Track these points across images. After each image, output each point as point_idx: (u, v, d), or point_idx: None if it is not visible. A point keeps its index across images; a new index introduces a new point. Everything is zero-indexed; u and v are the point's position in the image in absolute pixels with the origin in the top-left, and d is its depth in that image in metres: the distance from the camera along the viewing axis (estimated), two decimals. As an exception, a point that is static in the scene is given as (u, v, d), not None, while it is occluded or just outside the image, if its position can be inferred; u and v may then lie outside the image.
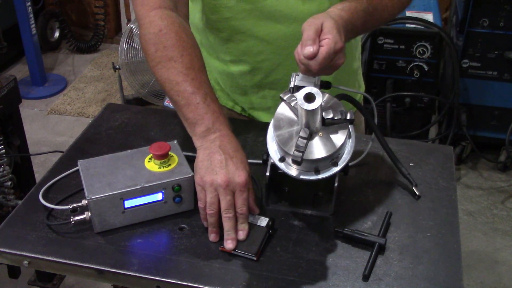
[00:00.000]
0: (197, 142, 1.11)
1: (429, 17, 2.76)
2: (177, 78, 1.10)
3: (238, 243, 1.06)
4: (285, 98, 1.07)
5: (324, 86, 1.09)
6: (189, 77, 1.10)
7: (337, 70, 1.08)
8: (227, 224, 1.05)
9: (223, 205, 1.04)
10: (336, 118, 1.02)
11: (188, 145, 1.36)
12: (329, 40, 1.02)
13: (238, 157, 1.07)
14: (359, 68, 1.56)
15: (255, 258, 1.04)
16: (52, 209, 1.15)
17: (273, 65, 1.37)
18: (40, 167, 2.59)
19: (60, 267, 1.06)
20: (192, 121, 1.10)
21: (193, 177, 1.13)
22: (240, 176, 1.04)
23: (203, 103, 1.09)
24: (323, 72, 1.05)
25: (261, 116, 1.51)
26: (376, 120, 1.27)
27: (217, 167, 1.05)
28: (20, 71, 3.81)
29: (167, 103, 2.07)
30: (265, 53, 1.35)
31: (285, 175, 1.09)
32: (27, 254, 1.06)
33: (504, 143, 2.76)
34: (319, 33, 1.04)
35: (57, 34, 4.11)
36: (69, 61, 4.00)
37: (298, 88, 1.06)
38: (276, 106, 1.09)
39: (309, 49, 1.02)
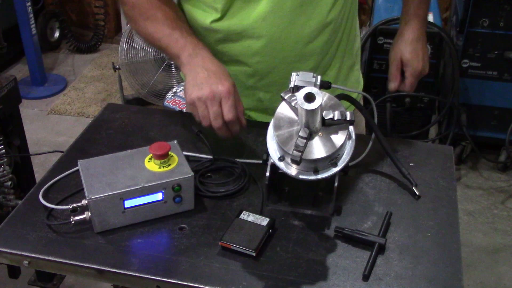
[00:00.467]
0: (184, 70, 1.22)
1: (429, 17, 2.75)
2: (155, 29, 1.26)
3: (238, 240, 1.06)
4: (285, 97, 1.07)
5: (324, 86, 1.10)
6: (165, 24, 1.24)
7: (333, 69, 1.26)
8: (218, 133, 1.16)
9: (211, 115, 1.15)
10: (336, 118, 1.02)
11: (188, 145, 1.36)
12: (409, 73, 1.40)
13: (219, 71, 1.18)
14: (357, 64, 1.55)
15: (254, 254, 1.04)
16: (52, 209, 1.15)
17: (268, 68, 1.37)
18: (40, 167, 2.59)
19: (60, 267, 1.06)
20: (176, 54, 1.23)
21: (193, 177, 1.13)
22: (223, 85, 1.14)
23: (181, 37, 1.23)
24: None
25: (258, 117, 1.51)
26: (376, 120, 1.27)
27: (202, 83, 1.15)
28: (20, 71, 3.81)
29: (167, 103, 2.07)
30: (261, 55, 1.35)
31: (285, 175, 1.09)
32: (27, 254, 1.06)
33: (504, 143, 2.76)
34: (399, 67, 1.40)
35: (57, 34, 4.11)
36: (69, 61, 4.00)
37: (298, 88, 1.06)
38: (272, 107, 1.11)
39: (391, 86, 1.43)
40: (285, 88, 1.08)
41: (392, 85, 1.44)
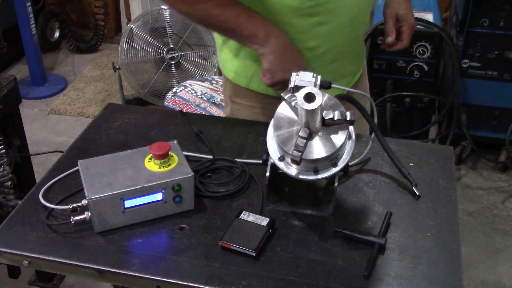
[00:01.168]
0: (261, 49, 1.25)
1: (429, 17, 2.75)
2: (220, 10, 1.23)
3: (238, 240, 1.06)
4: (285, 97, 1.07)
5: (324, 86, 1.10)
6: (230, 5, 1.23)
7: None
8: None
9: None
10: (336, 118, 1.02)
11: (188, 145, 1.36)
12: (406, 27, 1.47)
13: (296, 52, 1.27)
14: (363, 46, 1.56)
15: (254, 254, 1.04)
16: (52, 209, 1.15)
17: (340, 45, 1.39)
18: (40, 167, 2.59)
19: (60, 267, 1.06)
20: (250, 33, 1.24)
21: (193, 177, 1.13)
22: (300, 64, 1.26)
23: (251, 17, 1.23)
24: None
25: None
26: (376, 120, 1.27)
27: (287, 65, 1.23)
28: (20, 71, 3.81)
29: (167, 103, 2.07)
30: (342, 32, 1.37)
31: (285, 175, 1.09)
32: (27, 254, 1.06)
33: (504, 143, 2.76)
34: (395, 23, 1.46)
35: (57, 34, 4.11)
36: (69, 61, 4.00)
37: (298, 88, 1.06)
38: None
39: (389, 39, 1.47)
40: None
41: (390, 38, 1.49)
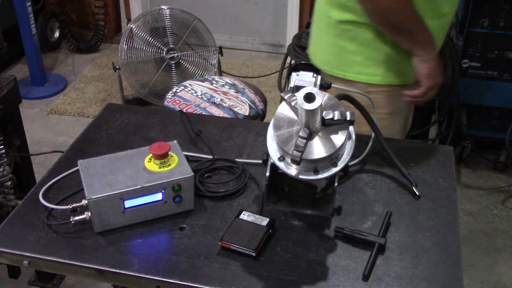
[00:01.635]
0: (425, 56, 1.41)
1: (429, 17, 2.75)
2: (410, 14, 1.37)
3: (238, 240, 1.06)
4: (285, 97, 1.07)
5: (324, 86, 1.10)
6: (415, 11, 1.36)
7: None
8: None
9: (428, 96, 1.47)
10: (336, 118, 1.02)
11: (188, 145, 1.36)
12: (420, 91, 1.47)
13: (441, 66, 1.46)
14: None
15: (254, 254, 1.04)
16: (52, 209, 1.15)
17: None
18: (40, 167, 2.59)
19: (60, 267, 1.06)
20: (425, 41, 1.40)
21: (193, 177, 1.13)
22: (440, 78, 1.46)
23: (426, 26, 1.38)
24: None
25: None
26: (376, 120, 1.28)
27: (436, 76, 1.44)
28: (20, 71, 3.80)
29: (167, 103, 2.07)
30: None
31: (285, 175, 1.09)
32: (27, 254, 1.06)
33: (504, 143, 2.76)
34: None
35: (57, 34, 4.11)
36: (69, 61, 4.00)
37: (298, 88, 1.06)
38: None
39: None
40: None
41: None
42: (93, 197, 1.06)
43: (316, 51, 1.59)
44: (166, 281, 1.01)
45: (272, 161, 1.11)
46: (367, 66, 1.48)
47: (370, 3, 1.33)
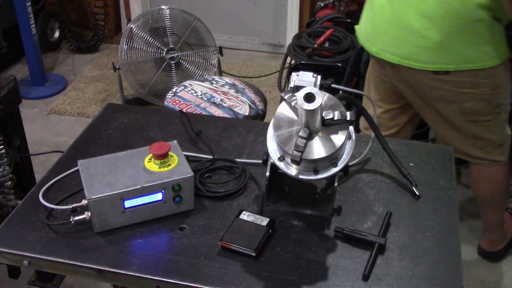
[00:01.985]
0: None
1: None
2: None
3: (238, 240, 1.06)
4: (285, 97, 1.07)
5: (324, 86, 1.10)
6: None
7: None
8: None
9: None
10: (336, 118, 1.02)
11: (188, 145, 1.36)
12: None
13: None
14: None
15: (254, 254, 1.04)
16: (52, 209, 1.15)
17: None
18: (40, 167, 2.58)
19: (60, 267, 1.06)
20: None
21: (193, 177, 1.13)
22: None
23: None
24: None
25: None
26: (376, 120, 1.28)
27: None
28: (20, 71, 3.80)
29: (167, 103, 2.07)
30: None
31: (285, 175, 1.09)
32: (27, 254, 1.06)
33: (504, 143, 2.75)
34: None
35: (57, 34, 4.11)
36: (69, 61, 3.99)
37: (298, 88, 1.06)
38: None
39: None
40: None
41: None
42: (93, 197, 1.06)
43: (444, 53, 1.69)
44: (166, 281, 1.01)
45: (272, 161, 1.11)
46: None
47: None
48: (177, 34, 3.12)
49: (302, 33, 2.69)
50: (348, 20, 2.77)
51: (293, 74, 1.09)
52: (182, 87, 2.15)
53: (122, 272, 1.03)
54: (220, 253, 1.06)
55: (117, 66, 3.05)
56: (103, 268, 1.03)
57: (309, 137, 1.02)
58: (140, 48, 3.06)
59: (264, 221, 1.10)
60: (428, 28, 1.67)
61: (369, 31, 1.87)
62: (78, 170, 1.16)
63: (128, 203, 1.10)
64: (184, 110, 1.90)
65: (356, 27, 1.95)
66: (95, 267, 1.03)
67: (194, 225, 1.13)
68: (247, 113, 2.03)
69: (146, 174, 1.12)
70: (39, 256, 1.05)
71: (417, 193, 1.22)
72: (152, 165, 1.14)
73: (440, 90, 1.75)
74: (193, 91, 2.12)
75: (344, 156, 1.08)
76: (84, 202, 1.09)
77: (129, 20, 4.12)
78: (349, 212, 1.18)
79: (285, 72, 2.76)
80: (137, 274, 1.02)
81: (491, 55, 1.70)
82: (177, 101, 2.07)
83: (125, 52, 3.03)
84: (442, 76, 1.71)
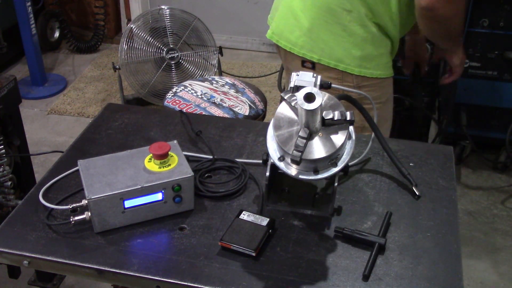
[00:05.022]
0: (459, 50, 1.74)
1: (429, 17, 2.75)
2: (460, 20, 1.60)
3: (238, 240, 1.06)
4: (285, 97, 1.07)
5: (324, 86, 1.09)
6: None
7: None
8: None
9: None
10: (336, 118, 1.02)
11: (188, 145, 1.36)
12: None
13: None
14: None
15: (254, 254, 1.04)
16: (52, 209, 1.15)
17: None
18: (40, 167, 2.59)
19: (60, 267, 1.06)
20: (460, 41, 1.75)
21: (193, 177, 1.13)
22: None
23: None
24: None
25: None
26: (376, 120, 1.27)
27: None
28: (20, 71, 3.80)
29: (167, 103, 2.07)
30: None
31: (285, 175, 1.09)
32: (27, 254, 1.06)
33: (504, 143, 2.76)
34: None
35: (57, 34, 4.11)
36: (69, 61, 3.99)
37: (298, 88, 1.06)
38: None
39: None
40: None
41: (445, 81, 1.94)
42: (93, 197, 1.06)
43: (311, 40, 1.58)
44: (166, 281, 1.01)
45: (272, 161, 1.11)
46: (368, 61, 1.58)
47: (431, 13, 1.46)
48: (177, 34, 3.12)
49: (302, 33, 2.69)
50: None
51: (293, 74, 1.09)
52: (182, 87, 2.15)
53: (122, 272, 1.03)
54: (220, 253, 1.06)
55: (117, 66, 3.05)
56: (103, 268, 1.03)
57: (309, 137, 1.02)
58: (140, 48, 3.06)
59: (264, 221, 1.10)
60: (302, 10, 1.58)
61: (271, 16, 1.80)
62: (78, 170, 1.16)
63: (128, 203, 1.10)
64: (184, 110, 1.90)
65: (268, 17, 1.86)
66: (95, 267, 1.03)
67: (194, 225, 1.13)
68: (247, 113, 2.03)
69: (146, 174, 1.12)
70: (39, 256, 1.05)
71: (417, 193, 1.22)
72: (152, 165, 1.14)
73: None
74: (193, 91, 2.12)
75: (344, 156, 1.08)
76: (84, 202, 1.09)
77: (129, 20, 4.12)
78: (349, 212, 1.18)
79: (285, 72, 2.76)
80: (137, 274, 1.02)
81: (361, 62, 1.56)
82: (177, 101, 2.07)
83: (125, 52, 3.03)
84: (308, 65, 1.61)
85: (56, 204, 1.16)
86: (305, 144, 1.01)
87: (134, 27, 3.04)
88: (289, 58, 1.66)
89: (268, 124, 1.11)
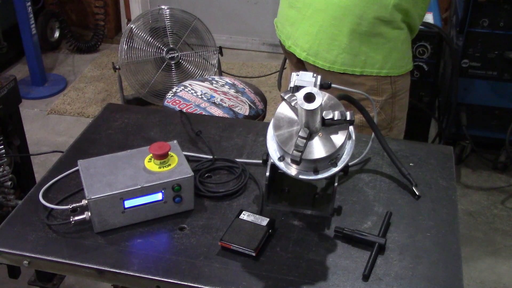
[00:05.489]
0: None
1: (429, 17, 2.75)
2: None
3: (238, 240, 1.06)
4: (285, 97, 1.07)
5: (324, 86, 1.09)
6: None
7: None
8: None
9: None
10: (336, 118, 1.02)
11: (188, 145, 1.36)
12: None
13: None
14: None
15: (254, 254, 1.04)
16: (52, 209, 1.15)
17: None
18: (40, 167, 2.59)
19: (60, 267, 1.06)
20: None
21: (193, 177, 1.13)
22: None
23: None
24: None
25: None
26: (376, 120, 1.28)
27: None
28: (20, 71, 3.80)
29: (167, 103, 2.07)
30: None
31: (285, 175, 1.09)
32: (27, 254, 1.06)
33: (504, 143, 2.76)
34: None
35: (57, 34, 4.11)
36: (69, 61, 3.99)
37: (298, 88, 1.06)
38: None
39: None
40: None
41: None
42: (93, 197, 1.06)
43: (352, 55, 1.57)
44: (166, 281, 1.01)
45: (272, 161, 1.11)
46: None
47: None
48: (177, 34, 3.12)
49: (302, 33, 2.69)
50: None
51: (293, 74, 1.09)
52: (182, 87, 2.15)
53: (122, 272, 1.03)
54: (220, 253, 1.06)
55: (117, 66, 3.05)
56: (103, 268, 1.03)
57: (309, 137, 1.02)
58: (140, 48, 3.06)
59: (264, 221, 1.10)
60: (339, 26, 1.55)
61: (283, 22, 1.71)
62: (78, 170, 1.16)
63: (128, 203, 1.10)
64: (184, 110, 1.90)
65: (275, 20, 1.79)
66: (95, 267, 1.03)
67: (194, 225, 1.13)
68: (247, 113, 2.03)
69: (146, 174, 1.12)
70: (39, 256, 1.05)
71: (417, 193, 1.22)
72: (152, 165, 1.14)
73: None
74: (193, 91, 2.12)
75: (344, 156, 1.08)
76: (84, 202, 1.09)
77: (129, 20, 4.12)
78: (349, 212, 1.18)
79: (285, 72, 2.76)
80: (137, 274, 1.02)
81: (399, 62, 1.60)
82: (177, 101, 2.07)
83: (125, 52, 3.03)
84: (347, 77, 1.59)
85: (56, 204, 1.16)
86: (305, 144, 1.01)
87: (134, 27, 3.04)
88: (328, 77, 1.59)
89: (268, 124, 1.11)
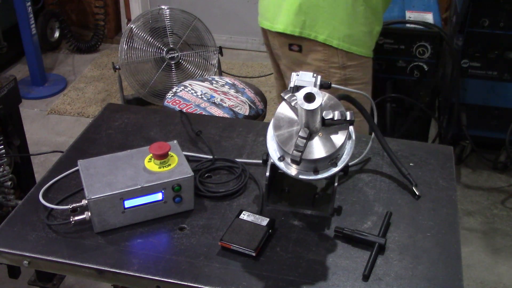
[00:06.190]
0: None
1: (429, 17, 2.75)
2: None
3: (238, 240, 1.06)
4: (285, 97, 1.07)
5: (324, 86, 1.10)
6: None
7: None
8: None
9: None
10: (336, 118, 1.02)
11: (188, 145, 1.36)
12: None
13: None
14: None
15: (254, 254, 1.04)
16: (52, 209, 1.15)
17: None
18: (40, 167, 2.59)
19: (60, 267, 1.06)
20: None
21: (193, 177, 1.13)
22: None
23: None
24: None
25: None
26: (376, 120, 1.28)
27: None
28: (20, 71, 3.80)
29: (167, 103, 2.07)
30: None
31: (285, 175, 1.09)
32: (27, 254, 1.06)
33: (504, 143, 2.76)
34: None
35: (57, 34, 4.11)
36: (69, 61, 3.99)
37: (298, 88, 1.06)
38: None
39: None
40: None
41: None
42: (93, 197, 1.07)
43: (300, 19, 1.61)
44: (166, 281, 1.01)
45: (272, 161, 1.11)
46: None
47: None
48: (177, 34, 3.12)
49: (302, 33, 2.69)
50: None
51: (293, 74, 1.09)
52: (182, 87, 2.15)
53: (122, 272, 1.03)
54: (220, 253, 1.06)
55: (117, 66, 3.05)
56: (103, 268, 1.03)
57: (309, 137, 1.02)
58: (140, 48, 3.06)
59: (264, 221, 1.10)
60: None
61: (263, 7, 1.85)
62: (78, 170, 1.16)
63: (128, 203, 1.10)
64: (184, 110, 1.90)
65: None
66: (95, 267, 1.03)
67: (194, 225, 1.13)
68: (247, 113, 2.03)
69: (146, 174, 1.12)
70: (39, 256, 1.05)
71: (417, 193, 1.22)
72: (152, 165, 1.14)
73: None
74: (193, 91, 2.12)
75: (344, 156, 1.08)
76: (84, 202, 1.09)
77: (129, 20, 4.12)
78: (349, 212, 1.18)
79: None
80: (137, 274, 1.02)
81: (349, 39, 1.61)
82: (177, 101, 2.07)
83: (125, 52, 3.03)
84: (295, 49, 1.65)
85: (56, 204, 1.16)
86: (305, 144, 1.01)
87: (134, 27, 3.04)
88: (277, 42, 1.70)
89: (268, 124, 1.11)
